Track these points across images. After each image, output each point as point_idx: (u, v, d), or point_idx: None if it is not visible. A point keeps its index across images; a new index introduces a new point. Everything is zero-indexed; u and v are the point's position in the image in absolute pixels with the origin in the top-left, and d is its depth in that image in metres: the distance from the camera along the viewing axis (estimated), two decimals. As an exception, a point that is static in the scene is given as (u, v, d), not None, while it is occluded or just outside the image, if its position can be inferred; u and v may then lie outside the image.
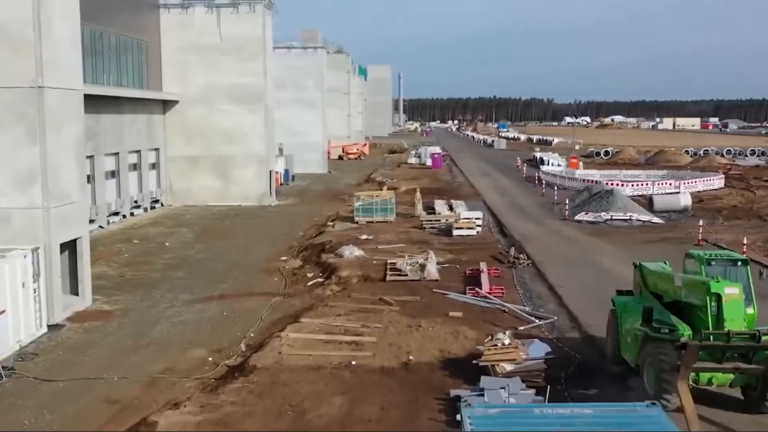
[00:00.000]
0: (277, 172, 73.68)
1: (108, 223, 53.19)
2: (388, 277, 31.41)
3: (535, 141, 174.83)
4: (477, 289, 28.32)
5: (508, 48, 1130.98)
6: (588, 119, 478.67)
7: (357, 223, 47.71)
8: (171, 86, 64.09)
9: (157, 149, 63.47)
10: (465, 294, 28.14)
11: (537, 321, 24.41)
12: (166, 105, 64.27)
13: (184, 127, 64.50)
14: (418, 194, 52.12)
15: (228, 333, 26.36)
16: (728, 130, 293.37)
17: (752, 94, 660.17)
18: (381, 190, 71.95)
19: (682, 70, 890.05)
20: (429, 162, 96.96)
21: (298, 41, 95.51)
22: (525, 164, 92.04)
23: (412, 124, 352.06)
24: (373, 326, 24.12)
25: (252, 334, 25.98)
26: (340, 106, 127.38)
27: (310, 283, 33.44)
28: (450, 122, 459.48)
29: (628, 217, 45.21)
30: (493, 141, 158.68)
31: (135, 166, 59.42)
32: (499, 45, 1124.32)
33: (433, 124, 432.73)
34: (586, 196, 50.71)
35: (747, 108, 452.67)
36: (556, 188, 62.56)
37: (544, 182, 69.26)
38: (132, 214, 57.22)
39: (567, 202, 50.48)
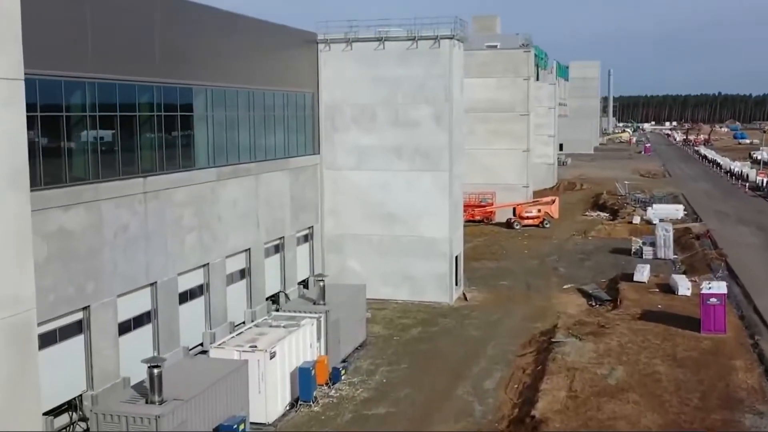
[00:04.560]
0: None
1: None
2: None
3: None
4: None
5: (734, 38, 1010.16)
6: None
7: None
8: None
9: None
10: None
11: None
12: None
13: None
14: None
15: None
16: None
17: None
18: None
19: None
20: (681, 288, 43.71)
21: (408, 26, 44.94)
22: None
23: (622, 130, 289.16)
24: None
25: None
26: (513, 136, 76.18)
27: None
28: (667, 124, 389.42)
29: None
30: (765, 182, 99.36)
31: None
32: (722, 35, 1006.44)
33: (646, 126, 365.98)
34: None
35: None
36: None
37: None
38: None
39: None
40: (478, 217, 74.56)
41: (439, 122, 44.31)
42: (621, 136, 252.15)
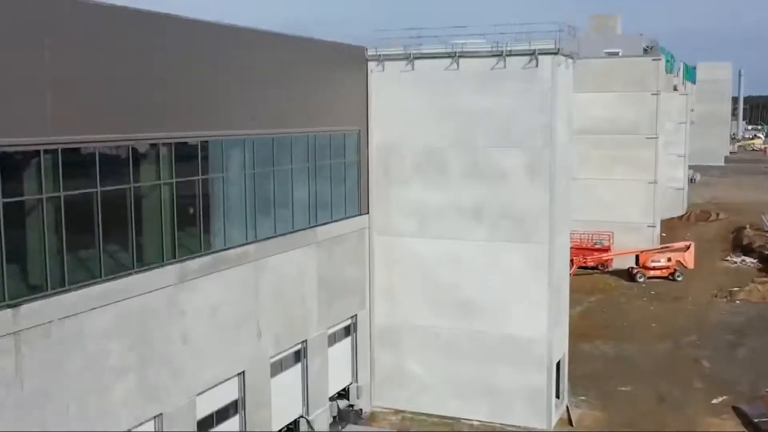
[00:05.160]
0: None
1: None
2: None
3: None
4: None
5: None
6: None
7: None
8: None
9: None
10: None
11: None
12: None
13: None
14: None
15: None
16: None
17: None
18: None
19: None
20: None
21: (491, 36, 31.46)
22: None
23: (753, 135, 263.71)
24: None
25: None
26: (637, 163, 61.67)
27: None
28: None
29: None
30: None
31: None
32: None
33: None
34: None
35: None
36: None
37: None
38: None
39: None
40: (591, 264, 60.37)
41: (535, 174, 30.73)
42: (753, 143, 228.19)
